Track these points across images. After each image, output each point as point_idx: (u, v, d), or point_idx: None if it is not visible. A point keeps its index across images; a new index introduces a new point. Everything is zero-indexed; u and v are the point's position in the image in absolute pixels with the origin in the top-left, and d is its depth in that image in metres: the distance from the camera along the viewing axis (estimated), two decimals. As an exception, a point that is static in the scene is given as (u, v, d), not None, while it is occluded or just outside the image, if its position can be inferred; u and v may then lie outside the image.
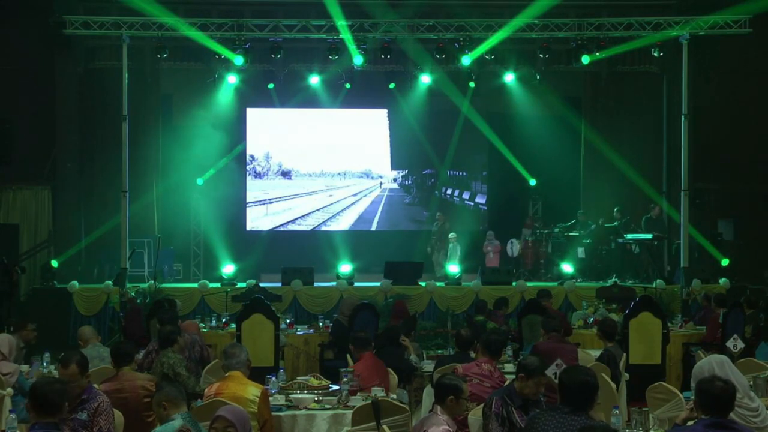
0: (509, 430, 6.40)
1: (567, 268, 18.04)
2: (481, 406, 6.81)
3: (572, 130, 20.42)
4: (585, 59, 17.83)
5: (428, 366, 10.46)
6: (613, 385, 8.76)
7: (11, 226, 18.43)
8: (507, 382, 7.15)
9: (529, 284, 16.93)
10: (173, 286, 17.18)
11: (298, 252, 19.51)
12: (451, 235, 19.36)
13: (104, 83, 19.01)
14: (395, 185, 21.86)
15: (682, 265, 16.93)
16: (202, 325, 13.61)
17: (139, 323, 13.36)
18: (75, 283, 16.56)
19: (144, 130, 19.15)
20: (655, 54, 18.26)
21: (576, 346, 10.64)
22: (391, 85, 19.73)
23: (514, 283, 16.82)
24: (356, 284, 17.09)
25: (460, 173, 21.97)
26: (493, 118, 20.92)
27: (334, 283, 16.85)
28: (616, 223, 18.86)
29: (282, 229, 21.40)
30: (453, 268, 17.72)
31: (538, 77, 19.25)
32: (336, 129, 21.33)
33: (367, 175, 21.79)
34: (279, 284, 16.56)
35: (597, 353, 10.19)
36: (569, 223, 19.42)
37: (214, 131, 20.15)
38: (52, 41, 18.14)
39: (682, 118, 17.41)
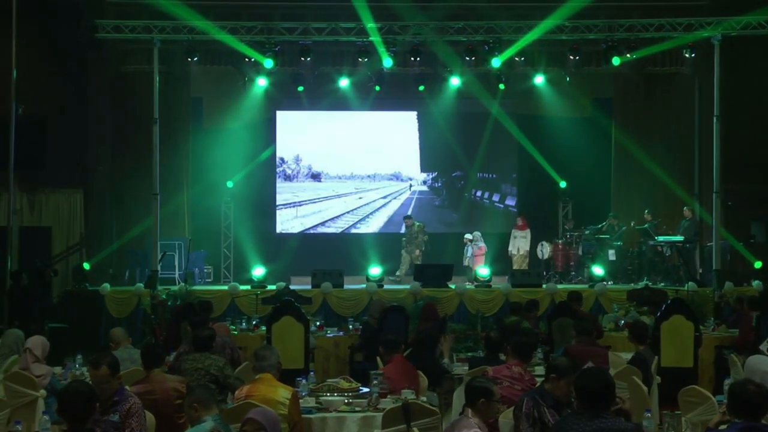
0: (540, 431, 6.36)
1: (598, 270, 17.94)
2: (512, 409, 6.78)
3: (603, 132, 20.35)
4: (615, 61, 17.74)
5: (458, 368, 10.43)
6: (645, 389, 8.70)
7: (44, 228, 18.58)
8: (537, 385, 7.12)
9: (560, 287, 16.92)
10: (204, 289, 17.26)
11: (327, 254, 19.57)
12: (468, 235, 19.36)
13: (135, 86, 19.12)
14: (425, 187, 21.86)
15: (714, 268, 16.80)
16: (232, 327, 13.69)
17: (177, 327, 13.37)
18: (106, 285, 16.65)
19: (174, 133, 19.27)
20: (687, 55, 18.14)
21: (607, 349, 10.59)
22: (421, 88, 19.73)
23: (544, 286, 16.78)
24: (386, 287, 17.12)
25: (490, 175, 21.92)
26: (523, 120, 20.91)
27: (363, 286, 16.84)
28: (647, 225, 18.74)
29: (312, 231, 21.45)
30: (483, 270, 17.65)
31: (568, 79, 19.18)
32: (365, 131, 21.37)
33: (397, 177, 21.80)
34: (309, 287, 16.59)
35: (628, 356, 10.12)
36: (600, 226, 19.34)
37: (244, 134, 20.30)
38: (84, 45, 18.26)
39: (714, 120, 17.29)
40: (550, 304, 15.68)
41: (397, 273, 18.95)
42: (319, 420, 7.88)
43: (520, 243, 19.63)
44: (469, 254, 19.25)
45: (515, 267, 19.08)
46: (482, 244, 19.37)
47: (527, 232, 19.69)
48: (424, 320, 12.77)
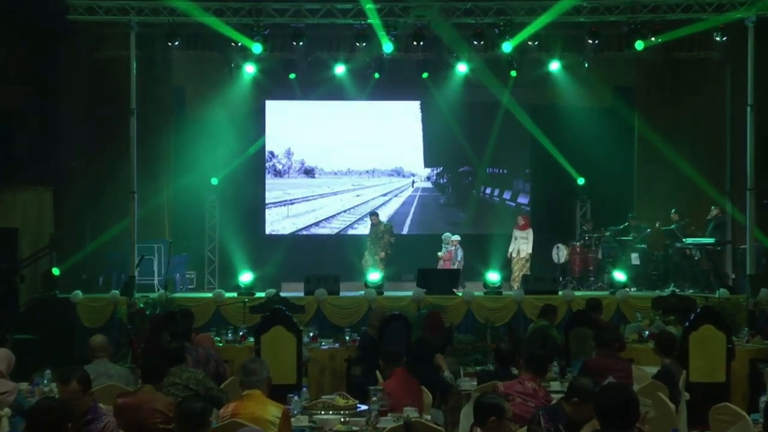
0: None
1: (619, 275, 17.89)
2: (524, 428, 6.74)
3: (624, 124, 20.36)
4: (639, 45, 17.72)
5: (465, 383, 10.40)
6: (672, 406, 8.66)
7: (10, 230, 18.44)
8: (554, 401, 7.08)
9: (577, 294, 16.90)
10: (186, 296, 17.23)
11: (322, 258, 19.59)
12: (454, 237, 19.32)
13: (111, 75, 19.07)
14: (429, 184, 21.86)
15: (748, 273, 16.76)
16: (217, 338, 13.66)
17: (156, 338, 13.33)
18: (78, 292, 16.59)
19: (154, 126, 19.25)
20: (718, 38, 18.08)
21: (630, 362, 10.55)
22: (424, 75, 19.72)
23: (560, 293, 16.72)
24: (386, 293, 17.06)
25: (501, 171, 21.92)
26: (537, 111, 20.91)
27: (362, 293, 16.81)
28: (673, 225, 18.72)
29: (305, 232, 21.45)
30: (492, 276, 17.61)
31: (586, 65, 19.14)
32: (364, 123, 21.37)
33: (398, 173, 21.78)
34: (301, 294, 16.57)
35: (653, 370, 10.10)
36: (621, 226, 19.34)
37: (231, 126, 20.30)
38: (54, 28, 18.20)
39: (748, 109, 17.22)
40: (566, 312, 15.62)
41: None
42: (313, 441, 7.85)
43: (520, 245, 19.46)
44: (458, 258, 19.14)
45: (515, 272, 19.07)
46: (451, 249, 19.32)
47: (529, 233, 19.53)
48: (429, 330, 12.74)
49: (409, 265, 18.93)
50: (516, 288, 18.03)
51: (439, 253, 19.51)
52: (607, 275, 18.69)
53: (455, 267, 18.92)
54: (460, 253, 19.32)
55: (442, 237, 19.67)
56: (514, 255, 19.49)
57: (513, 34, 17.77)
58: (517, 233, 19.64)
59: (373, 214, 19.78)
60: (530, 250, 19.43)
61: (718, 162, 19.99)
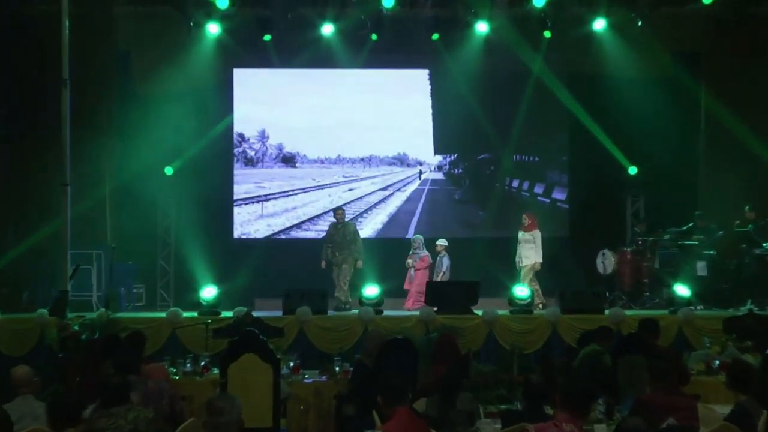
0: None
1: (681, 290, 17.87)
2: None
3: (688, 98, 20.38)
4: (706, -2, 17.78)
5: (487, 426, 10.39)
6: (749, 455, 8.66)
7: None
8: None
9: (628, 313, 16.89)
10: (133, 316, 17.23)
11: (305, 269, 19.50)
12: (440, 242, 19.37)
13: (39, 35, 19.05)
14: (440, 175, 21.90)
15: None
16: (172, 369, 13.65)
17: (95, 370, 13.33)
18: (-4, 311, 16.67)
19: (93, 101, 19.30)
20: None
21: (695, 399, 10.54)
22: (435, 37, 19.76)
23: (606, 312, 16.76)
24: (386, 313, 17.11)
25: (531, 158, 21.95)
26: (577, 82, 20.94)
27: (355, 312, 16.86)
28: (750, 226, 18.72)
29: (283, 236, 21.47)
30: (521, 291, 17.58)
31: (639, 23, 19.15)
32: (358, 98, 21.40)
33: (402, 161, 21.78)
34: (280, 313, 16.61)
35: (726, 410, 10.07)
36: (684, 228, 19.33)
37: (189, 102, 20.25)
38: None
39: (844, 79, 17.26)
40: (615, 336, 15.63)
41: (336, 294, 18.61)
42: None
43: (525, 250, 19.30)
44: (443, 268, 19.16)
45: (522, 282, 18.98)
46: (425, 254, 19.38)
47: (535, 235, 19.30)
48: (440, 359, 12.72)
49: (414, 277, 18.96)
50: (541, 307, 18.00)
51: (409, 261, 19.38)
52: (665, 289, 18.66)
53: (437, 281, 18.95)
54: (446, 261, 19.27)
55: (412, 239, 19.62)
56: (520, 264, 19.31)
57: (547, -16, 17.87)
58: (521, 236, 19.42)
59: (339, 208, 19.56)
60: (539, 258, 19.19)
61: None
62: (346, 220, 19.32)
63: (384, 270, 19.08)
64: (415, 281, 18.98)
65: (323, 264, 18.92)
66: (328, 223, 21.18)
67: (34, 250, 18.70)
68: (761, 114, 19.72)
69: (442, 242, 19.45)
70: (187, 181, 20.63)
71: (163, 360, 14.12)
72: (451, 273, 19.27)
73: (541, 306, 18.24)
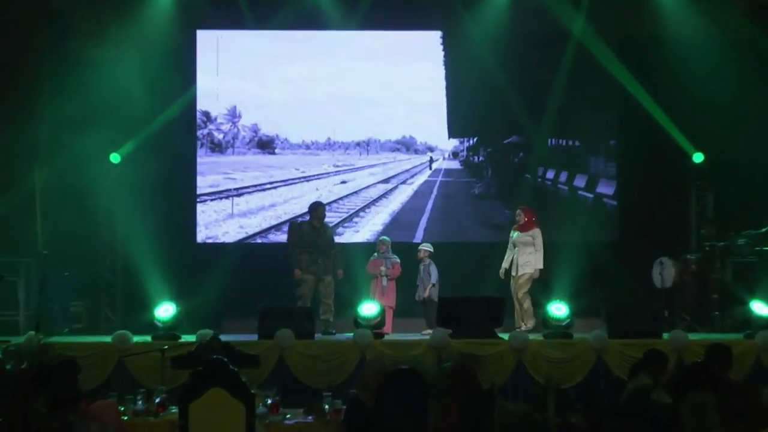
0: None
1: (760, 308, 17.80)
2: None
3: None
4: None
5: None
6: None
7: None
8: None
9: (693, 337, 16.91)
10: (70, 341, 17.16)
11: (286, 282, 19.40)
12: (425, 246, 19.33)
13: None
14: (456, 164, 21.89)
15: None
16: (121, 408, 13.51)
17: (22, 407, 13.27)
18: None
19: (19, 72, 19.22)
20: None
21: (778, 446, 10.44)
22: (449, -9, 19.75)
23: (665, 335, 16.72)
24: (388, 337, 17.10)
25: (570, 143, 22.00)
26: (628, 47, 20.98)
27: (349, 335, 16.85)
28: None
29: (259, 240, 21.44)
30: (558, 309, 17.45)
31: (705, -26, 19.14)
32: (353, 67, 21.32)
33: (408, 146, 21.79)
34: (255, 337, 16.71)
35: (815, 460, 9.98)
36: (763, 230, 19.26)
37: (141, 72, 20.22)
38: None
39: None
40: (675, 365, 15.53)
41: (323, 316, 18.63)
42: None
43: (522, 254, 19.06)
44: (432, 279, 19.20)
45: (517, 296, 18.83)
46: (397, 261, 19.46)
47: (535, 235, 19.16)
48: (456, 393, 12.62)
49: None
50: (524, 328, 17.88)
51: (383, 269, 19.32)
52: (740, 307, 18.58)
53: (425, 296, 19.12)
54: (434, 271, 19.32)
55: (379, 241, 19.68)
56: (513, 273, 19.05)
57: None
58: (516, 237, 19.19)
59: (321, 205, 19.26)
60: (540, 265, 18.99)
61: None
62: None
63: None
64: (389, 294, 18.98)
65: (297, 274, 18.72)
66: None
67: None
68: None
69: (426, 247, 19.59)
70: (138, 172, 20.54)
71: (108, 396, 14.01)
72: (467, 286, 19.31)
73: (523, 327, 18.11)
